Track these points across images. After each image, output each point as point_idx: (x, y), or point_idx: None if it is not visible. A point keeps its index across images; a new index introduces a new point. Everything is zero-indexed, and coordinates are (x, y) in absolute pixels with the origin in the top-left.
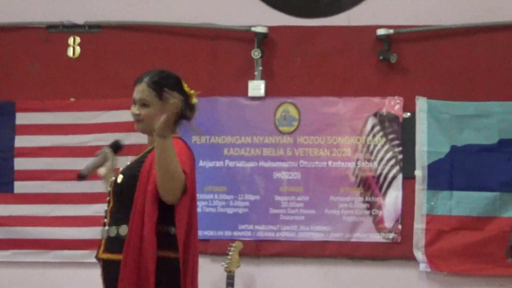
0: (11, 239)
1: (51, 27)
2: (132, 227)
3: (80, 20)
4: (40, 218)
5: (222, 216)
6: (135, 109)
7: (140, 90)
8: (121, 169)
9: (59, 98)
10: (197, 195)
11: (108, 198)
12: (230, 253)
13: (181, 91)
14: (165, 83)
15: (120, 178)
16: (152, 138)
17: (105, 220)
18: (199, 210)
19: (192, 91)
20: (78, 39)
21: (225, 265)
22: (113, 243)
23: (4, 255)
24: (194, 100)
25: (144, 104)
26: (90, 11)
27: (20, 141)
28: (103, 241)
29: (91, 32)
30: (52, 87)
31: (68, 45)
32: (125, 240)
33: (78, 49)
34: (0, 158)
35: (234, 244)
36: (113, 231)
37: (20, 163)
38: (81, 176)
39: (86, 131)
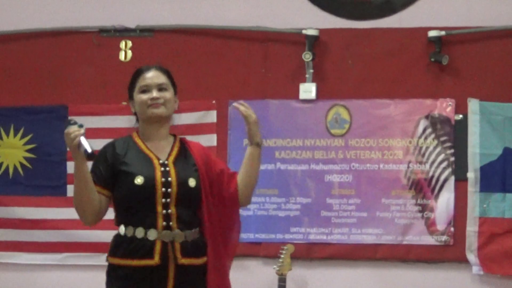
0: (63, 242)
1: (103, 31)
2: (212, 229)
3: (131, 24)
4: None
5: (273, 219)
6: (154, 93)
7: (156, 76)
8: (167, 168)
9: (111, 102)
10: None
11: (164, 200)
12: (282, 256)
13: (176, 87)
14: (170, 73)
15: (192, 181)
16: (159, 130)
17: (170, 223)
18: (250, 213)
19: None
20: (129, 43)
21: (277, 268)
22: (192, 248)
23: (57, 258)
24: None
25: (162, 89)
26: (141, 15)
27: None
28: (178, 246)
29: (143, 36)
30: (104, 91)
31: (120, 49)
32: (210, 243)
33: (129, 53)
34: (53, 162)
35: (285, 247)
36: (189, 235)
37: (72, 167)
38: (92, 155)
39: None
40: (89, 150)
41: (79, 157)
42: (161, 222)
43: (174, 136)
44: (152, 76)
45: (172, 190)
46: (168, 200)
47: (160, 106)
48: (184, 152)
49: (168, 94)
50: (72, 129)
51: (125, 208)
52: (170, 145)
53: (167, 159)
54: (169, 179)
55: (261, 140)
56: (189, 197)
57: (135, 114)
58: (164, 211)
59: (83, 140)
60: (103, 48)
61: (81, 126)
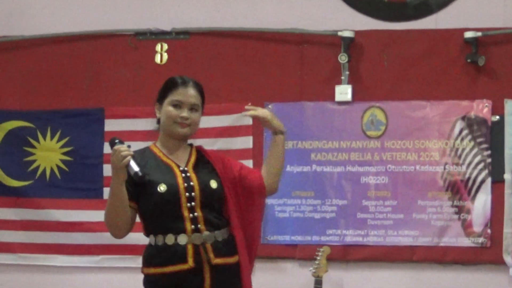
0: (100, 245)
1: (139, 34)
2: (239, 228)
3: (167, 27)
4: None
5: (309, 221)
6: (184, 112)
7: (193, 95)
8: (188, 174)
9: (147, 104)
10: (285, 199)
11: (189, 204)
12: (318, 258)
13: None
14: (202, 89)
15: (213, 183)
16: (179, 143)
17: (198, 225)
18: (286, 215)
19: None
20: (165, 46)
21: (313, 270)
22: (223, 247)
23: (93, 260)
24: None
25: (193, 109)
26: (177, 17)
27: (109, 147)
28: (209, 247)
29: (179, 38)
30: (140, 94)
31: (156, 52)
32: (238, 242)
33: (165, 55)
34: (90, 164)
35: (322, 249)
36: (219, 236)
37: (109, 170)
38: (143, 177)
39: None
40: (140, 173)
41: (122, 176)
42: (189, 226)
43: (191, 145)
44: (188, 94)
45: (196, 193)
46: (193, 203)
47: (186, 126)
48: (201, 159)
49: (197, 116)
50: (123, 148)
51: (152, 217)
52: (188, 153)
53: (186, 166)
54: (191, 183)
55: (280, 126)
56: (212, 198)
57: (158, 118)
58: (191, 215)
59: (132, 160)
60: (139, 51)
61: (129, 146)
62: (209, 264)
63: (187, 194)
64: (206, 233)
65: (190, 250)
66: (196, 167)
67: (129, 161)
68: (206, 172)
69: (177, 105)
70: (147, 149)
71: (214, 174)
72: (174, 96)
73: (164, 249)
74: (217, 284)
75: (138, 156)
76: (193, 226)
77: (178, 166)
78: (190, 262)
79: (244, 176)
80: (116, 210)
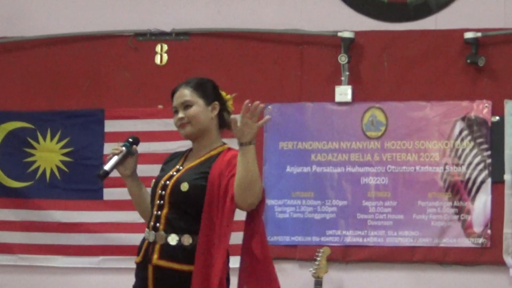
0: (100, 246)
1: (139, 35)
2: (202, 238)
3: (167, 28)
4: (129, 224)
5: (309, 221)
6: (179, 114)
7: (180, 95)
8: (175, 173)
9: (148, 105)
10: (285, 200)
11: (159, 202)
12: (318, 259)
13: (218, 95)
14: (205, 84)
15: (184, 186)
16: (198, 144)
17: (157, 224)
18: (286, 215)
19: (228, 96)
20: (165, 47)
21: (313, 271)
22: (173, 252)
23: (93, 261)
24: (231, 107)
25: (187, 106)
26: (177, 18)
27: (109, 148)
28: (157, 247)
29: (179, 39)
30: (140, 95)
31: (156, 53)
32: (197, 251)
33: (165, 56)
34: (90, 166)
35: (322, 250)
36: (173, 239)
37: None
38: (102, 175)
39: (174, 138)
40: (101, 170)
41: (122, 174)
42: (152, 223)
43: (224, 146)
44: (177, 96)
45: (166, 192)
46: (162, 202)
47: (185, 125)
48: (208, 160)
49: (192, 110)
50: (115, 146)
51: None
52: (204, 154)
53: (187, 165)
54: (167, 182)
55: (244, 137)
56: (180, 200)
57: None
58: (156, 212)
59: (114, 159)
60: (139, 52)
61: (127, 145)
62: (151, 263)
63: (159, 191)
64: (160, 233)
65: (144, 245)
66: (191, 168)
67: (110, 157)
68: (192, 173)
69: (174, 111)
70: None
71: (199, 177)
72: (172, 105)
73: (142, 240)
74: (156, 285)
75: (177, 153)
76: (152, 224)
77: (182, 165)
78: (140, 257)
79: (229, 185)
80: (134, 202)
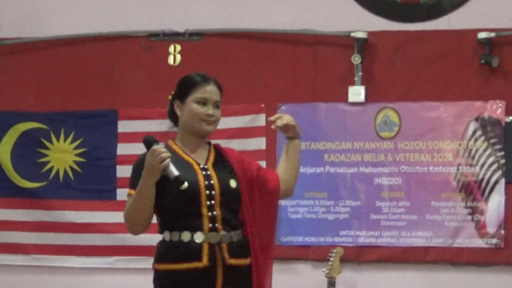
0: (113, 246)
1: (152, 35)
2: (252, 231)
3: (180, 28)
4: None
5: (323, 222)
6: (210, 110)
7: (215, 92)
8: (208, 172)
9: (161, 106)
10: (298, 201)
11: (209, 202)
12: (331, 259)
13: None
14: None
15: (233, 183)
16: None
17: (215, 224)
18: (300, 216)
19: None
20: (178, 47)
21: (326, 271)
22: (239, 248)
23: (107, 262)
24: None
25: (217, 106)
26: (190, 19)
27: (123, 148)
28: (225, 247)
29: (192, 39)
30: (153, 95)
31: (169, 53)
32: (251, 244)
33: (178, 57)
34: (103, 166)
35: (335, 250)
36: (235, 236)
37: (122, 171)
38: (182, 182)
39: None
40: (181, 178)
41: (155, 178)
42: (207, 224)
43: (209, 142)
44: (212, 91)
45: (216, 192)
46: (213, 202)
47: (212, 123)
48: (220, 157)
49: (220, 114)
50: (163, 150)
51: (170, 213)
52: (206, 151)
53: (206, 164)
54: (212, 181)
55: (296, 131)
56: (231, 198)
57: (176, 116)
58: (210, 213)
59: (171, 164)
60: (152, 52)
61: (166, 146)
62: (223, 264)
63: (207, 192)
64: (222, 232)
65: (205, 249)
66: (215, 165)
67: (168, 164)
68: (226, 171)
69: (201, 102)
70: (166, 145)
71: (233, 173)
72: (198, 94)
73: (179, 246)
74: (229, 284)
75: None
76: (210, 225)
77: (198, 164)
78: (205, 261)
79: (261, 176)
80: (141, 209)
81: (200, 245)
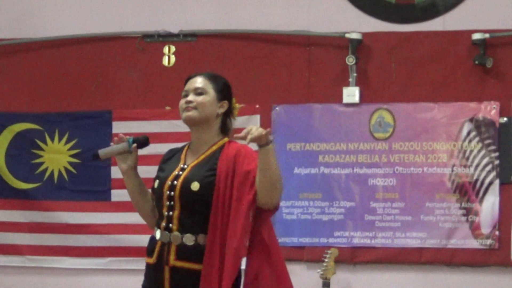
0: (108, 247)
1: (146, 36)
2: (214, 237)
3: (175, 29)
4: (137, 226)
5: (317, 223)
6: (189, 97)
7: (195, 81)
8: (180, 172)
9: (155, 106)
10: (293, 201)
11: (168, 203)
12: (326, 260)
13: (230, 97)
14: (220, 79)
15: (195, 185)
16: (199, 134)
17: (170, 225)
18: (294, 217)
19: (237, 104)
20: (173, 48)
21: (321, 272)
22: (190, 252)
23: (101, 263)
24: (236, 115)
25: (199, 93)
26: (185, 20)
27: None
28: (173, 248)
29: (186, 40)
30: (148, 96)
31: (163, 54)
32: (207, 250)
33: (173, 57)
34: (98, 167)
35: (329, 251)
36: (189, 239)
37: (117, 172)
38: (95, 156)
39: (182, 139)
40: (95, 151)
41: (121, 168)
42: (163, 224)
43: (227, 140)
44: (192, 81)
45: (175, 193)
46: (172, 203)
47: (191, 109)
48: (212, 156)
49: (202, 98)
50: (123, 136)
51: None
52: (207, 149)
53: (190, 163)
54: (175, 182)
55: (265, 139)
56: (191, 200)
57: None
58: (166, 213)
59: (111, 146)
60: (147, 53)
61: (129, 141)
62: (168, 264)
63: (167, 192)
64: (175, 233)
65: (158, 247)
66: (196, 165)
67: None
68: (200, 172)
69: (184, 95)
70: (185, 145)
71: (207, 175)
72: (184, 89)
73: (150, 241)
74: (173, 285)
75: (173, 150)
76: (164, 224)
77: (185, 163)
78: (154, 258)
79: (244, 183)
80: (133, 200)
81: (156, 242)
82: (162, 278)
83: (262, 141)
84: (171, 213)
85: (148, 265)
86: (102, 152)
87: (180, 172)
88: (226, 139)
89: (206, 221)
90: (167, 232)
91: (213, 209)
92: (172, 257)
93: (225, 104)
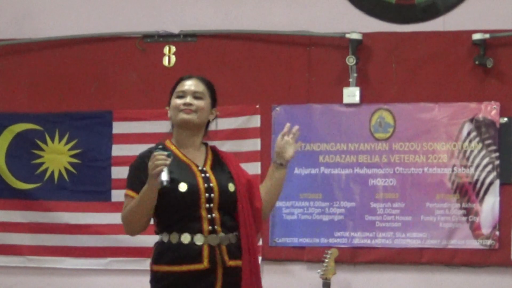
0: (108, 247)
1: (146, 36)
2: (244, 234)
3: (175, 29)
4: None
5: (317, 223)
6: (188, 100)
7: (194, 84)
8: (207, 175)
9: (155, 107)
10: (293, 202)
11: (208, 205)
12: (326, 260)
13: (215, 104)
14: (214, 88)
15: (232, 186)
16: (192, 138)
17: (214, 227)
18: (294, 217)
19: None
20: (173, 48)
21: (321, 273)
22: (236, 250)
23: (101, 263)
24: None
25: (198, 97)
26: (185, 20)
27: (117, 150)
28: (224, 249)
29: (186, 41)
30: (148, 96)
31: (164, 54)
32: (243, 247)
33: (173, 58)
34: (98, 167)
35: (330, 251)
36: (232, 238)
37: (117, 172)
38: (167, 183)
39: None
40: (165, 182)
41: (152, 183)
42: (206, 227)
43: (206, 144)
44: (190, 83)
45: (215, 195)
46: (211, 205)
47: (191, 112)
48: (217, 160)
49: (202, 103)
50: (161, 156)
51: (169, 215)
52: (204, 153)
53: (204, 166)
54: (211, 184)
55: (285, 159)
56: (229, 201)
57: (171, 119)
58: (209, 216)
59: (165, 169)
60: (147, 54)
61: (169, 155)
62: (223, 266)
63: (206, 195)
64: (221, 234)
65: (205, 251)
66: (213, 168)
67: (161, 171)
68: (223, 174)
69: (181, 96)
70: (163, 145)
71: (231, 177)
72: (178, 89)
73: (178, 248)
74: (228, 286)
75: (148, 156)
76: (210, 227)
77: (197, 166)
78: (205, 263)
79: (249, 190)
80: (141, 213)
81: (200, 247)
82: (214, 281)
83: (285, 160)
84: (212, 215)
85: (190, 273)
86: (164, 177)
87: (207, 175)
88: (208, 144)
89: (234, 219)
90: (214, 235)
91: (239, 208)
92: (226, 258)
93: (215, 111)
